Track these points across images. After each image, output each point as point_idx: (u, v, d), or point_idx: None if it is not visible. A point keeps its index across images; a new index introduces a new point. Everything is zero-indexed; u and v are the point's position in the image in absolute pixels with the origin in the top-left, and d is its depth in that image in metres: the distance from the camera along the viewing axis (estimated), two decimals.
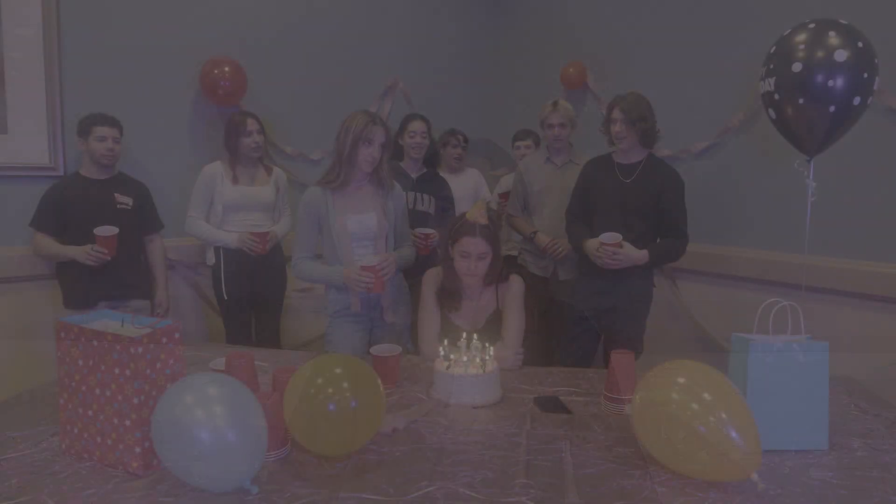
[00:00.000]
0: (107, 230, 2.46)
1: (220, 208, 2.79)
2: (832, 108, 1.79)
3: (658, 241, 2.49)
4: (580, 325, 2.64)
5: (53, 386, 1.67)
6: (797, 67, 1.79)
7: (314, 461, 1.29)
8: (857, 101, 1.80)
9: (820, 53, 1.77)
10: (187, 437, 1.09)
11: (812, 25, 1.83)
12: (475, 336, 1.76)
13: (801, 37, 1.82)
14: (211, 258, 2.86)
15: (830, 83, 1.76)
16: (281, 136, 3.41)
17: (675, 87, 3.14)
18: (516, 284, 2.06)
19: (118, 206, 2.62)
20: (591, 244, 2.44)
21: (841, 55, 1.74)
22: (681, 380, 1.24)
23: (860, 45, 1.76)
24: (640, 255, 2.39)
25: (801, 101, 1.82)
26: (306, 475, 1.23)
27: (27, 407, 1.56)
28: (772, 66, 1.90)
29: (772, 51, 1.94)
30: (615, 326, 2.57)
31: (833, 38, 1.76)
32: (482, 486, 1.19)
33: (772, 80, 1.89)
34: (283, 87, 3.39)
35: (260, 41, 3.30)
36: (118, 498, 1.14)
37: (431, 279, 2.11)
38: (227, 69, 3.02)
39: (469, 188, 3.36)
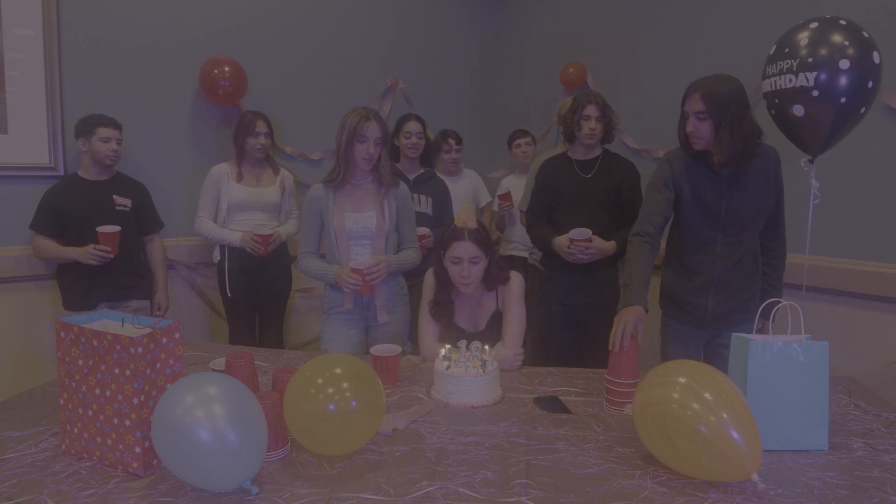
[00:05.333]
0: (109, 228, 2.46)
1: (224, 207, 2.81)
2: (842, 103, 1.78)
3: (621, 230, 2.53)
4: (556, 327, 2.66)
5: (53, 386, 1.68)
6: (810, 65, 1.78)
7: (314, 461, 1.29)
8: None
9: (831, 50, 1.76)
10: (187, 437, 1.09)
11: (815, 25, 1.82)
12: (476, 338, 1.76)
13: (810, 34, 1.81)
14: (217, 255, 2.89)
15: (841, 81, 1.75)
16: (281, 136, 3.41)
17: (675, 87, 3.12)
18: (516, 283, 2.03)
19: (117, 207, 2.62)
20: (562, 241, 2.47)
21: (850, 54, 1.74)
22: (682, 380, 1.24)
23: (866, 40, 1.77)
24: (609, 246, 2.46)
25: (814, 94, 1.80)
26: (306, 475, 1.23)
27: (27, 407, 1.56)
28: (780, 64, 1.88)
29: (778, 50, 1.91)
30: (591, 321, 2.61)
31: (841, 35, 1.75)
32: (482, 486, 1.19)
33: (780, 79, 1.87)
34: (283, 87, 3.39)
35: (260, 41, 3.30)
36: (118, 498, 1.14)
37: (432, 279, 2.10)
38: (227, 69, 3.02)
39: (468, 191, 3.35)
